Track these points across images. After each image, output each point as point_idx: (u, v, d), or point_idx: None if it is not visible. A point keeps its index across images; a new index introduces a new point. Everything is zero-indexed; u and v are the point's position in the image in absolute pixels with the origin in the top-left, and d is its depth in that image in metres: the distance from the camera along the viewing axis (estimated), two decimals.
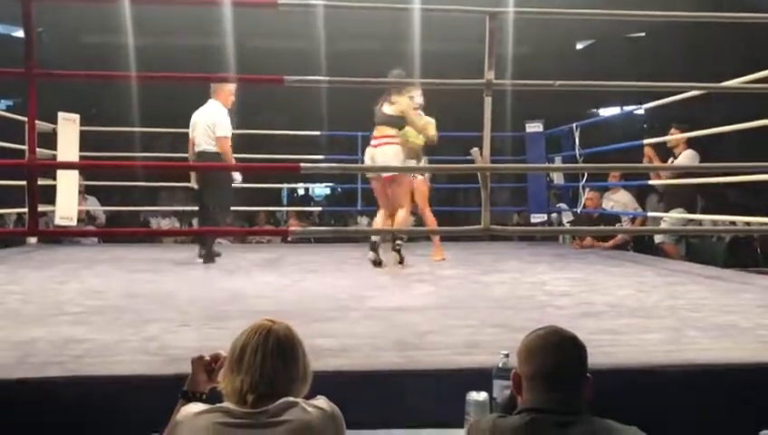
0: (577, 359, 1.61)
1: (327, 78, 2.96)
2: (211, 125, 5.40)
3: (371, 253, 5.04)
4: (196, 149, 5.46)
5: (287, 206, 13.19)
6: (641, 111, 16.22)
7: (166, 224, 8.54)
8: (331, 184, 15.70)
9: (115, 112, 9.69)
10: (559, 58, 15.85)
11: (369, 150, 5.17)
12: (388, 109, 5.10)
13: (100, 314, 3.25)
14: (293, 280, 4.48)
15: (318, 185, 16.45)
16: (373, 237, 5.14)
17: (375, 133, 5.17)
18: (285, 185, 13.31)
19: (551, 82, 2.85)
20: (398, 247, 5.20)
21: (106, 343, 2.64)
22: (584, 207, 6.68)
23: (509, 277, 4.59)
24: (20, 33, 17.39)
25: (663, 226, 5.75)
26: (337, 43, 11.80)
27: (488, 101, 2.73)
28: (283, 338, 1.59)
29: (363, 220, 9.41)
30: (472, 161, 3.43)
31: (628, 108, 17.37)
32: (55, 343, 2.63)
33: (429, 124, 5.40)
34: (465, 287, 4.19)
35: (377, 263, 5.03)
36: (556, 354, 1.59)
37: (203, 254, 5.45)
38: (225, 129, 5.45)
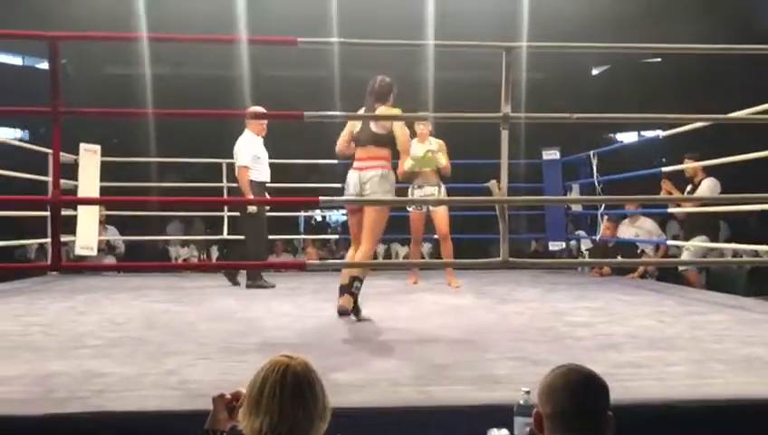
0: (598, 399, 1.60)
1: (344, 114, 2.99)
2: (235, 154, 5.58)
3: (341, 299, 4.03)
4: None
5: (304, 232, 13.27)
6: (658, 135, 16.24)
7: (184, 252, 8.60)
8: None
9: (136, 142, 9.85)
10: (574, 84, 15.92)
11: (352, 174, 4.16)
12: (374, 126, 4.15)
13: (121, 346, 3.27)
14: (311, 310, 4.48)
15: (335, 212, 16.53)
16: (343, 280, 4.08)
17: (360, 154, 4.18)
18: (303, 213, 13.43)
19: (567, 115, 2.87)
20: (354, 291, 3.98)
21: (127, 377, 2.66)
22: (602, 235, 6.65)
23: (527, 307, 4.57)
24: (44, 65, 17.77)
25: (685, 254, 5.70)
26: (352, 70, 11.96)
27: (505, 134, 2.74)
28: (302, 377, 1.59)
29: (379, 248, 9.43)
30: (488, 188, 3.38)
31: (645, 133, 17.38)
32: (77, 377, 2.65)
33: (438, 155, 5.52)
34: (482, 317, 4.17)
35: (344, 312, 3.98)
36: (577, 395, 1.58)
37: (248, 282, 5.68)
38: (244, 159, 5.57)
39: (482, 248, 10.36)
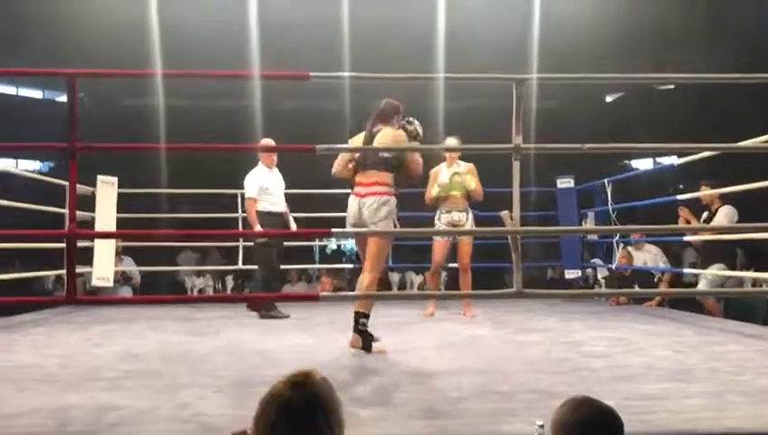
0: (612, 433, 1.58)
1: (356, 147, 3.01)
2: (245, 186, 5.71)
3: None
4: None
5: (319, 261, 13.28)
6: (672, 164, 16.16)
7: (200, 282, 8.64)
8: None
9: (153, 172, 9.96)
10: (588, 111, 15.94)
11: (352, 200, 4.04)
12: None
13: (135, 378, 3.28)
14: (326, 341, 4.47)
15: (350, 240, 16.54)
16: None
17: (360, 178, 4.01)
18: (317, 242, 13.46)
19: (578, 145, 2.88)
20: (361, 328, 3.91)
21: (141, 410, 2.66)
22: (618, 262, 6.61)
23: (543, 337, 4.53)
24: (63, 98, 18.11)
25: (703, 282, 5.64)
26: (363, 100, 12.06)
27: (516, 165, 2.75)
28: (305, 411, 1.51)
29: (394, 277, 9.41)
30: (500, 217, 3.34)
31: (660, 160, 17.31)
32: (91, 410, 2.66)
33: (466, 177, 5.42)
34: (498, 348, 4.14)
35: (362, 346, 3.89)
36: (589, 429, 1.56)
37: (262, 313, 5.72)
38: (251, 191, 5.73)
39: (497, 277, 10.32)
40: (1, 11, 11.49)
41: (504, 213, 2.95)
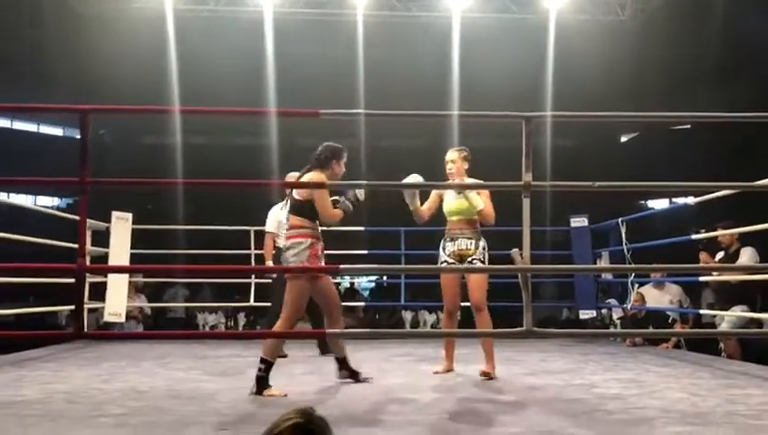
0: None
1: (366, 182, 3.01)
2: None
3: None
4: None
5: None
6: (687, 203, 16.05)
7: (212, 319, 8.62)
8: (375, 277, 15.73)
9: (170, 207, 10.05)
10: (603, 151, 15.96)
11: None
12: (296, 193, 4.03)
13: (141, 415, 3.25)
14: (335, 379, 4.41)
15: (363, 279, 16.47)
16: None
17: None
18: (330, 279, 13.42)
19: (590, 183, 2.86)
20: (259, 374, 3.83)
21: None
22: (633, 303, 6.51)
23: (557, 378, 4.44)
24: None
25: (724, 323, 5.54)
26: (379, 140, 12.15)
27: (526, 202, 2.74)
28: None
29: (407, 315, 9.34)
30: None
31: (676, 200, 17.20)
32: None
33: (471, 195, 4.41)
34: (511, 389, 4.05)
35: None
36: None
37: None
38: (269, 225, 5.72)
39: (512, 317, 10.19)
40: (27, 49, 11.77)
41: (515, 251, 2.92)
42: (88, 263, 6.76)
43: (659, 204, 17.28)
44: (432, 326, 8.75)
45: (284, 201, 5.77)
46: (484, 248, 4.54)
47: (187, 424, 3.04)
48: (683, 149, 15.31)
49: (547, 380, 4.40)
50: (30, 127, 17.15)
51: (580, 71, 10.36)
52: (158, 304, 7.63)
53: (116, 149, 16.33)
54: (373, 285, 16.68)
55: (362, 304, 11.40)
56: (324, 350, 5.62)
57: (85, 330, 6.95)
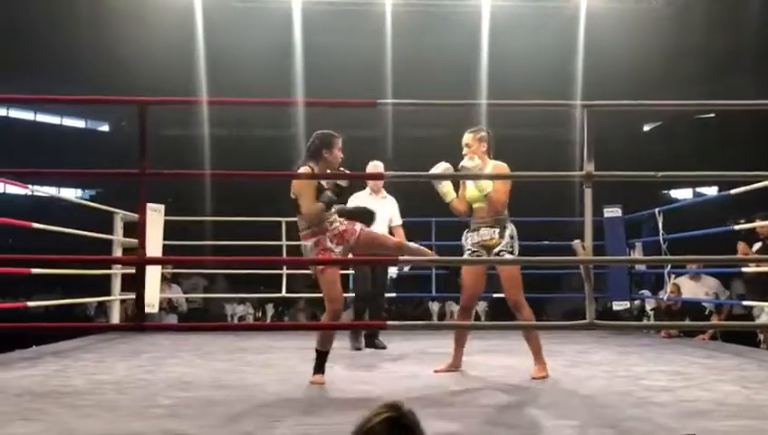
0: None
1: (411, 173, 2.98)
2: None
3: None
4: None
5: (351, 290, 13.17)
6: (711, 192, 15.89)
7: (240, 310, 8.65)
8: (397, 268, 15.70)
9: (193, 200, 10.07)
10: (625, 140, 15.80)
11: None
12: (292, 192, 3.90)
13: (193, 407, 3.25)
14: (375, 370, 4.41)
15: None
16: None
17: None
18: (351, 271, 13.38)
19: (652, 173, 2.82)
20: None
21: None
22: (669, 294, 6.45)
23: (601, 371, 4.40)
24: (104, 128, 18.57)
25: (764, 316, 5.48)
26: (403, 130, 12.12)
27: (588, 192, 2.71)
28: None
29: (434, 306, 9.32)
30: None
31: (700, 190, 17.04)
32: None
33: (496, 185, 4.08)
34: (555, 381, 4.03)
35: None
36: None
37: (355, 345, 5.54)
38: None
39: (537, 308, 10.12)
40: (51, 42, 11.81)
41: (576, 242, 2.89)
42: (120, 254, 6.84)
43: (683, 194, 17.15)
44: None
45: (365, 190, 5.72)
46: (511, 238, 4.15)
47: (240, 415, 3.05)
48: (707, 138, 15.15)
49: (592, 371, 4.37)
50: (53, 120, 17.27)
51: (612, 60, 10.24)
52: (193, 295, 7.66)
53: (136, 141, 16.39)
54: (395, 275, 16.71)
55: (393, 294, 11.38)
56: (369, 343, 5.59)
57: (117, 321, 7.06)
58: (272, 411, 3.14)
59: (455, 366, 4.33)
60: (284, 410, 3.19)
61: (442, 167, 4.09)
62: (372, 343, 5.58)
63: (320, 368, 3.90)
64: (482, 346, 5.46)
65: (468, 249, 4.25)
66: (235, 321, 8.49)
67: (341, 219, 3.96)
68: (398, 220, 5.71)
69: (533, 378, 4.03)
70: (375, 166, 5.56)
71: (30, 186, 10.21)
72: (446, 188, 4.19)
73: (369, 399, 3.43)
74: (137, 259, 2.67)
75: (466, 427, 2.83)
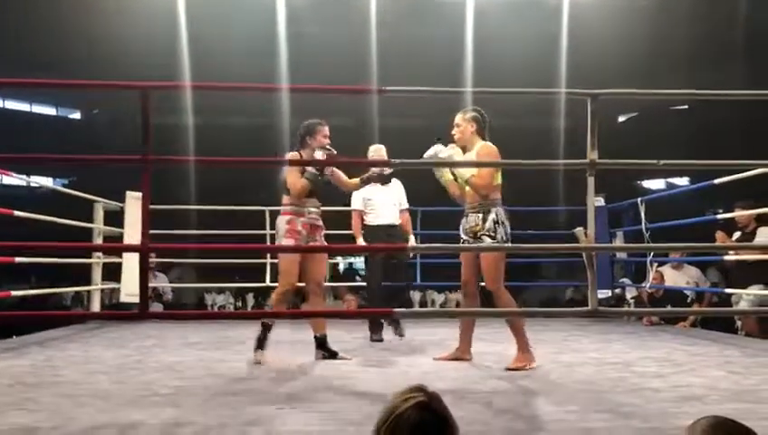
0: None
1: (421, 161, 2.98)
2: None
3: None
4: None
5: (331, 279, 13.14)
6: (683, 183, 16.19)
7: (221, 299, 8.59)
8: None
9: (172, 190, 9.93)
10: (601, 131, 15.99)
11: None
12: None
13: (190, 395, 3.23)
14: (371, 360, 4.41)
15: (359, 259, 16.45)
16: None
17: None
18: (329, 260, 13.35)
19: (654, 161, 2.86)
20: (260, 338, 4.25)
21: (209, 427, 2.61)
22: (651, 282, 6.56)
23: (588, 357, 4.47)
24: (76, 115, 18.21)
25: (743, 303, 5.59)
26: (384, 119, 12.11)
27: (591, 180, 2.73)
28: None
29: (415, 295, 9.34)
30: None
31: (672, 181, 17.32)
32: (160, 427, 2.60)
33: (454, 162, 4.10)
34: (547, 368, 4.05)
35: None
36: None
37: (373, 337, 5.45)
38: (354, 202, 5.66)
39: (514, 296, 10.22)
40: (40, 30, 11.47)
41: (579, 230, 2.92)
42: (101, 242, 6.73)
43: (656, 184, 17.41)
44: (441, 306, 8.75)
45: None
46: (495, 223, 4.02)
47: (241, 403, 3.03)
48: (681, 128, 15.36)
49: (580, 358, 4.42)
50: (22, 106, 16.88)
51: (594, 47, 10.29)
52: (176, 285, 7.57)
53: (108, 129, 16.11)
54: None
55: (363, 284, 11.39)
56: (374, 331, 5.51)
57: (96, 310, 6.94)
58: (272, 399, 3.12)
59: (460, 354, 4.26)
60: (284, 398, 3.17)
61: (434, 150, 4.07)
62: (397, 330, 5.43)
63: (260, 344, 4.25)
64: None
65: (461, 238, 4.26)
66: (215, 310, 8.42)
67: (318, 215, 4.41)
68: (404, 205, 5.69)
69: (508, 369, 3.93)
70: (376, 150, 5.49)
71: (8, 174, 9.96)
72: (439, 172, 4.21)
73: (371, 387, 3.44)
74: (139, 247, 2.63)
75: (467, 413, 2.84)
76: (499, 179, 4.08)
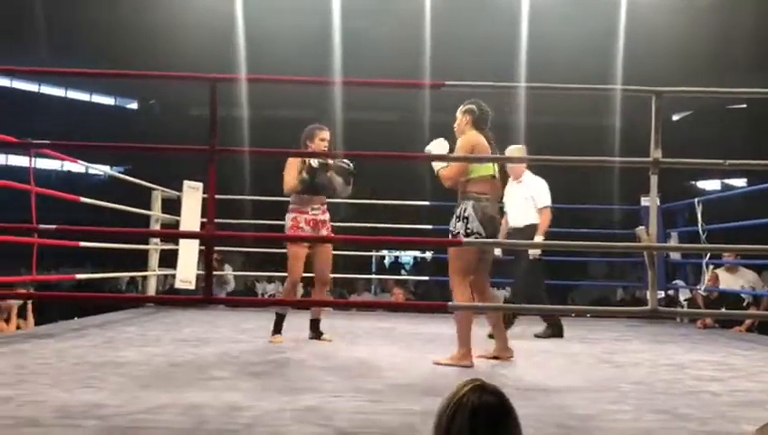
0: None
1: (491, 156, 2.98)
2: (535, 197, 5.39)
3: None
4: None
5: (376, 272, 13.23)
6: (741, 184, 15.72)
7: (271, 288, 8.73)
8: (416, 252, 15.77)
9: (224, 180, 10.14)
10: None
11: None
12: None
13: (248, 379, 3.31)
14: (419, 351, 4.43)
15: (407, 253, 16.51)
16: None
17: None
18: (374, 253, 13.39)
19: (721, 161, 2.81)
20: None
21: (268, 411, 2.67)
22: (707, 285, 6.42)
23: (642, 358, 4.41)
24: (133, 105, 18.69)
25: None
26: (432, 114, 12.11)
27: (654, 179, 2.70)
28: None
29: None
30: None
31: (728, 182, 16.87)
32: (220, 409, 2.67)
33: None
34: (599, 368, 4.03)
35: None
36: None
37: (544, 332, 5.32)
38: (547, 198, 5.40)
39: (559, 295, 10.13)
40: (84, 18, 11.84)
41: (640, 229, 2.90)
42: (159, 228, 6.92)
43: (711, 185, 16.99)
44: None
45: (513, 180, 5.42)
46: (459, 218, 3.87)
47: (298, 389, 3.09)
48: (735, 127, 14.95)
49: (633, 359, 4.37)
50: (83, 96, 17.39)
51: (648, 48, 10.09)
52: (236, 273, 7.73)
53: (164, 118, 16.49)
54: (414, 260, 16.75)
55: (409, 278, 11.45)
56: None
57: (151, 294, 7.14)
58: (328, 386, 3.18)
59: (499, 353, 4.14)
60: (338, 386, 3.22)
61: (436, 143, 4.00)
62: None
63: (277, 328, 4.74)
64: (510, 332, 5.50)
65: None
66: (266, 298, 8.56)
67: (323, 210, 4.78)
68: (541, 202, 5.30)
69: (436, 363, 3.86)
70: (511, 151, 5.25)
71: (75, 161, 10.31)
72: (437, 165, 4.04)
73: (421, 386, 3.47)
74: (205, 234, 2.71)
75: (518, 410, 2.84)
76: (479, 172, 3.88)
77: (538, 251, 5.15)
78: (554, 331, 5.32)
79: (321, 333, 4.86)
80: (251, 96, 13.63)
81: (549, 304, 5.34)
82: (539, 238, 5.08)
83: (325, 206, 4.83)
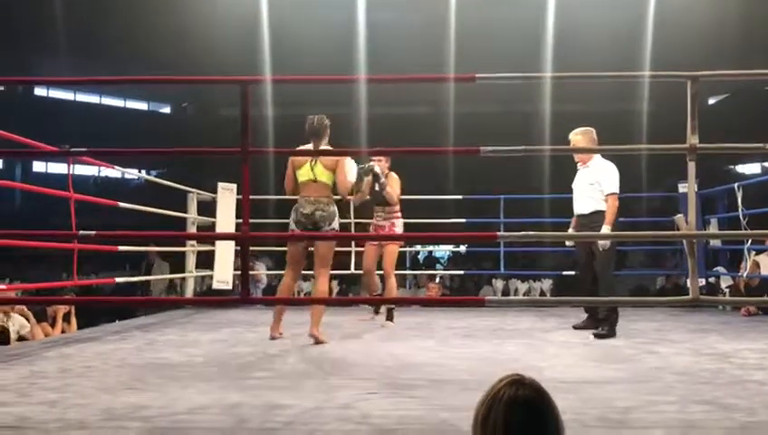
0: None
1: (523, 147, 2.95)
2: (602, 182, 5.04)
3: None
4: None
5: (410, 268, 13.20)
6: None
7: (306, 287, 8.75)
8: (453, 246, 15.68)
9: (255, 180, 10.21)
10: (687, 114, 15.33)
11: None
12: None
13: (285, 378, 3.34)
14: (455, 346, 4.42)
15: (441, 248, 16.42)
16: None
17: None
18: (408, 248, 13.34)
19: (761, 145, 2.73)
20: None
21: (306, 409, 2.69)
22: (749, 271, 6.27)
23: (684, 348, 4.33)
24: (166, 110, 18.96)
25: None
26: (458, 106, 12.05)
27: (692, 165, 2.64)
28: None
29: (498, 283, 9.27)
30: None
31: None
32: (260, 407, 2.70)
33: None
34: (640, 358, 3.97)
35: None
36: None
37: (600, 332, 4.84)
38: (616, 184, 5.06)
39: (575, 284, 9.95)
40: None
41: (679, 217, 2.84)
42: (195, 231, 7.01)
43: (751, 169, 16.60)
44: (525, 295, 8.64)
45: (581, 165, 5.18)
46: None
47: (334, 386, 3.11)
48: None
49: (676, 349, 4.30)
50: (117, 102, 17.70)
51: (681, 27, 9.86)
52: (270, 272, 7.79)
53: (196, 119, 16.67)
54: (449, 253, 16.67)
55: (444, 272, 11.42)
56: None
57: (189, 296, 7.23)
58: (364, 384, 3.19)
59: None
60: (375, 383, 3.23)
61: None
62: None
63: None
64: (548, 325, 5.48)
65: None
66: (302, 296, 8.59)
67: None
68: (608, 189, 4.96)
69: (312, 336, 4.52)
70: (575, 134, 5.10)
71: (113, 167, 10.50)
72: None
73: (461, 380, 3.45)
74: (240, 235, 2.73)
75: (559, 402, 2.82)
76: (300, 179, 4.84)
77: (607, 242, 4.84)
78: (610, 331, 4.83)
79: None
80: (278, 94, 13.74)
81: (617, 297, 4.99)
82: (606, 229, 4.79)
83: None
